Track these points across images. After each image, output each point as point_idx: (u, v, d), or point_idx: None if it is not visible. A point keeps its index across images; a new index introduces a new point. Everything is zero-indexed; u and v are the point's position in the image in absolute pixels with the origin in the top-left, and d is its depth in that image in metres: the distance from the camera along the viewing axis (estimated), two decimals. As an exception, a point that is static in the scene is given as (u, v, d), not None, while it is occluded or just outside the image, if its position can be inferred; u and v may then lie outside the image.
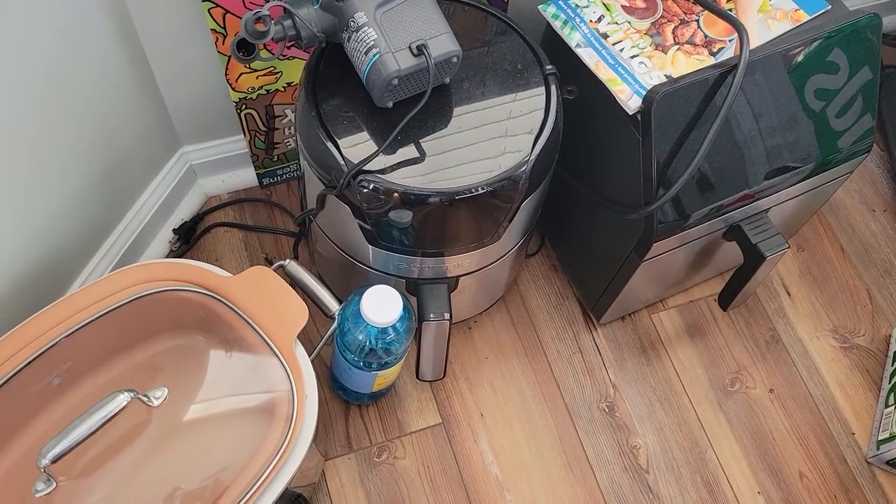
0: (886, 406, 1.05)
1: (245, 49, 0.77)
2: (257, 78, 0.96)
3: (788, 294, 1.17)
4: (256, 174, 1.14)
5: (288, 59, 0.95)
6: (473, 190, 0.79)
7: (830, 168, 0.97)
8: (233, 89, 0.97)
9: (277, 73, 0.97)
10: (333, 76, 0.83)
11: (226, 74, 0.94)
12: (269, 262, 1.12)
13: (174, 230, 1.11)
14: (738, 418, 1.07)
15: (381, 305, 0.82)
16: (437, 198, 0.78)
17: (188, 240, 1.12)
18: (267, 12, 0.70)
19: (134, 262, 1.06)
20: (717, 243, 1.01)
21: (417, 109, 0.77)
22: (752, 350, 1.12)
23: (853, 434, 1.07)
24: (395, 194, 0.79)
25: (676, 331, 1.13)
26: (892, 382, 1.06)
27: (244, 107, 1.00)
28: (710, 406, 1.08)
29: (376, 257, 0.89)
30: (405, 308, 0.84)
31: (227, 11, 0.86)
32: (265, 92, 0.99)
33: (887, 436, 1.01)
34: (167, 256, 1.11)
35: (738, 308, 1.15)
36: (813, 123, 0.92)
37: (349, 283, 0.95)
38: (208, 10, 0.85)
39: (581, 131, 0.92)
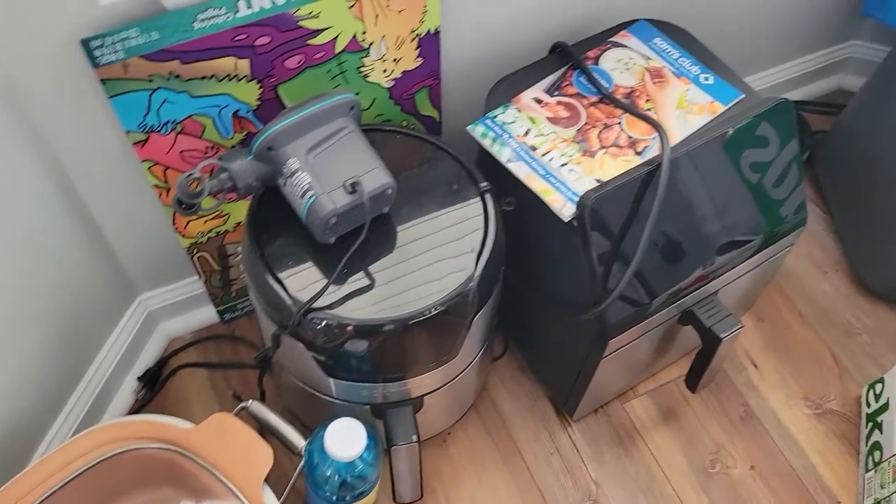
0: (867, 470, 1.05)
1: (186, 204, 0.79)
2: (206, 222, 0.98)
3: (755, 366, 1.18)
4: (217, 311, 1.15)
5: (234, 201, 0.98)
6: (424, 313, 0.80)
7: (778, 239, 0.99)
8: (182, 236, 0.98)
9: (225, 215, 0.99)
10: (276, 217, 0.85)
11: (173, 224, 0.96)
12: (237, 399, 1.11)
13: (138, 378, 1.11)
14: (723, 500, 1.06)
15: (345, 439, 0.82)
16: (389, 326, 0.79)
17: (153, 386, 1.11)
18: (199, 174, 0.73)
19: (100, 417, 1.06)
20: (676, 328, 1.02)
21: (357, 246, 0.79)
22: (727, 427, 1.12)
23: (839, 503, 1.06)
24: (348, 328, 0.80)
25: (650, 417, 1.13)
26: (870, 445, 1.06)
27: (196, 251, 1.02)
28: (694, 491, 1.07)
29: (338, 388, 0.90)
30: (370, 437, 0.84)
31: (168, 167, 0.88)
32: (215, 234, 1.01)
33: (872, 502, 1.01)
34: (133, 406, 1.10)
35: (707, 386, 1.15)
36: (753, 198, 0.94)
37: (316, 414, 0.95)
38: (148, 168, 0.87)
39: (527, 239, 0.94)
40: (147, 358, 1.13)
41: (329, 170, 0.79)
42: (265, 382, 1.09)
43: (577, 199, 0.85)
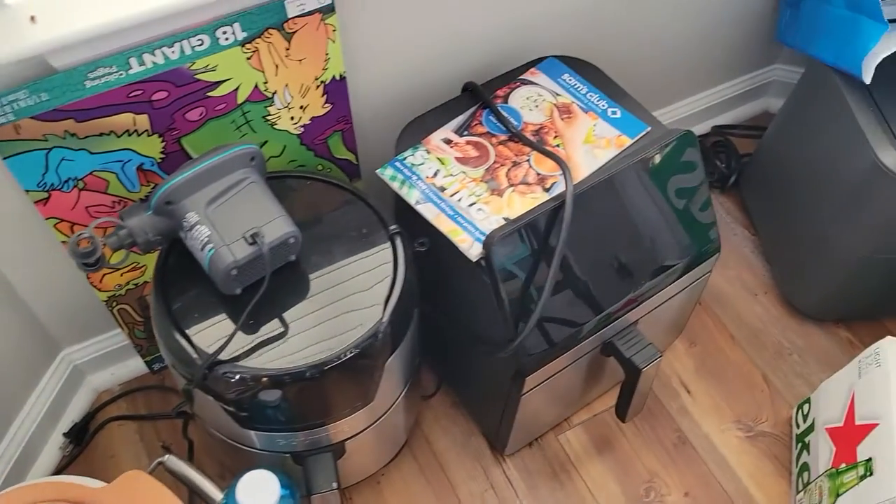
0: (797, 492, 1.05)
1: (85, 263, 0.78)
2: (122, 275, 0.98)
3: (688, 391, 1.19)
4: (144, 361, 1.14)
5: (140, 254, 0.97)
6: (334, 360, 0.80)
7: (694, 266, 1.00)
8: (99, 290, 0.98)
9: (142, 266, 0.99)
10: (183, 270, 0.84)
11: (88, 279, 0.95)
12: (167, 450, 1.10)
13: (64, 434, 1.09)
14: (658, 529, 1.06)
15: (258, 492, 0.81)
16: (297, 374, 0.79)
17: (80, 441, 1.10)
18: (89, 233, 0.72)
19: (25, 475, 1.04)
20: (601, 359, 1.03)
21: (259, 297, 0.78)
22: (661, 455, 1.12)
23: (772, 525, 1.07)
24: (257, 378, 0.79)
25: (584, 448, 1.13)
26: (799, 466, 1.07)
27: (115, 304, 1.01)
28: (629, 521, 1.07)
29: (256, 438, 0.89)
30: (285, 487, 0.83)
31: (74, 223, 0.88)
32: (133, 286, 1.00)
33: (800, 524, 1.01)
34: (60, 462, 1.08)
35: (641, 413, 1.16)
36: (664, 228, 0.95)
37: (240, 462, 0.94)
38: (54, 226, 0.87)
39: (444, 278, 0.95)
40: (74, 412, 1.11)
41: (229, 221, 0.79)
42: (199, 432, 1.09)
43: (484, 238, 0.86)
